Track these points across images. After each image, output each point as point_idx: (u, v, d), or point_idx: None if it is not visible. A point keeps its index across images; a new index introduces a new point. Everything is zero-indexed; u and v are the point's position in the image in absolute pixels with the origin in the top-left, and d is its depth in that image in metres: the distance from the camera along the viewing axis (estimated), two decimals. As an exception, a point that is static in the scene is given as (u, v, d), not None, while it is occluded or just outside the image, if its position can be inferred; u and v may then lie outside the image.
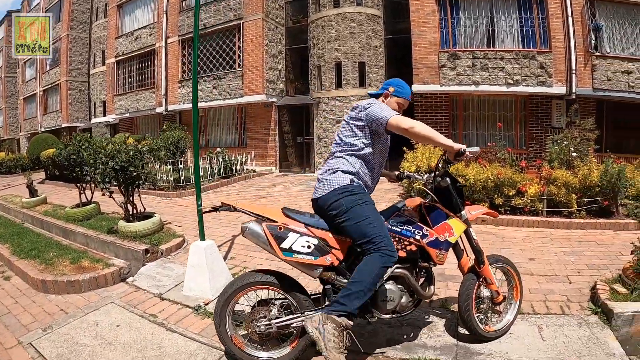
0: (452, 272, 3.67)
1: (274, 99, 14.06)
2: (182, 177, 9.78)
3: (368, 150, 2.51)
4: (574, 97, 10.35)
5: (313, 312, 2.37)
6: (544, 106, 11.10)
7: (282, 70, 14.76)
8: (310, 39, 13.76)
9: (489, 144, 9.15)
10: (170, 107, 15.83)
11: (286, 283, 2.44)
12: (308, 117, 14.10)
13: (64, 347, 2.89)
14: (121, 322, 3.27)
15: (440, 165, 2.61)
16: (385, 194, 8.21)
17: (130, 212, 5.33)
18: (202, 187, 9.65)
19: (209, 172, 10.67)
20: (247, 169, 12.44)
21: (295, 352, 2.45)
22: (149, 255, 4.60)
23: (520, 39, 10.95)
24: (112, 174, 5.08)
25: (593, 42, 10.52)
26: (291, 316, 2.41)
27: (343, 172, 2.46)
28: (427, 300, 3.14)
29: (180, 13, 15.57)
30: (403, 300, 2.51)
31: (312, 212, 2.60)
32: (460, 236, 2.66)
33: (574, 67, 10.31)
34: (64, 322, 3.31)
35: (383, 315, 2.48)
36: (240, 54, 14.05)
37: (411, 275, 2.53)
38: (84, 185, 6.65)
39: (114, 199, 5.26)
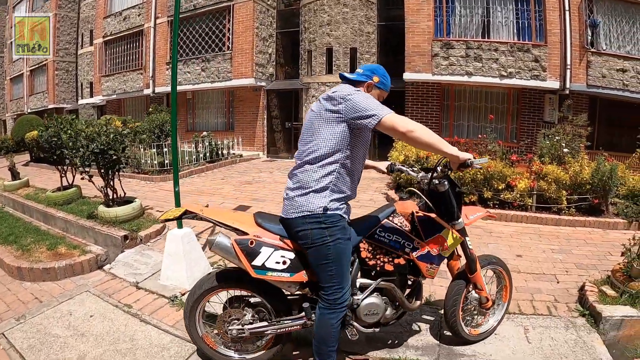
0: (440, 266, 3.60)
1: (263, 83, 13.83)
2: (166, 161, 9.60)
3: (347, 154, 2.05)
4: (567, 92, 10.27)
5: (289, 321, 2.22)
6: (537, 100, 11.03)
7: (272, 54, 14.49)
8: (301, 22, 13.50)
9: (479, 135, 9.11)
10: (157, 89, 15.52)
11: (262, 285, 2.19)
12: (297, 102, 13.91)
13: (35, 338, 2.81)
14: (95, 312, 3.18)
15: (439, 168, 2.28)
16: (372, 183, 8.14)
17: (110, 197, 5.18)
18: (187, 171, 9.64)
19: (194, 157, 10.50)
20: (233, 154, 12.27)
21: (269, 354, 2.35)
22: (128, 241, 4.49)
23: (515, 31, 10.82)
24: (91, 158, 4.92)
25: (589, 38, 10.41)
26: (265, 324, 2.25)
27: (316, 192, 2.03)
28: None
29: (170, -7, 15.12)
30: (387, 313, 2.37)
31: None
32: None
33: (568, 62, 10.22)
34: (38, 311, 3.21)
35: (364, 330, 2.32)
36: (230, 37, 13.74)
37: (398, 288, 2.36)
38: (64, 168, 6.47)
39: (93, 183, 5.12)
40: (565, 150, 6.79)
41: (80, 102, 21.01)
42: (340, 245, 2.05)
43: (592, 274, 3.61)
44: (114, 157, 4.96)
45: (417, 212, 2.33)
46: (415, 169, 2.53)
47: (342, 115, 1.99)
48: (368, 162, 2.58)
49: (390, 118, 1.90)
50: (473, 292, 2.62)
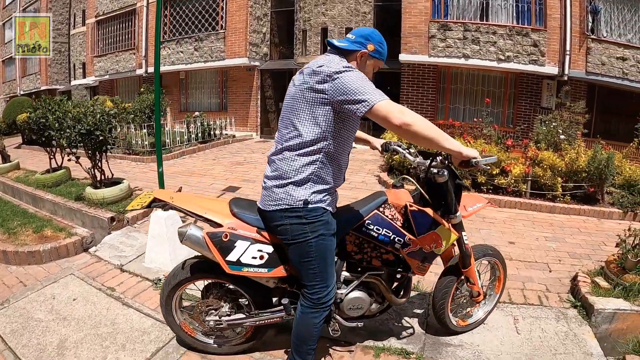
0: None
1: (257, 63, 13.62)
2: (157, 141, 9.45)
3: (332, 141, 1.79)
4: (565, 78, 10.12)
5: (269, 313, 2.12)
6: (535, 85, 10.88)
7: (267, 34, 14.23)
8: (296, 1, 13.21)
9: (475, 119, 9.04)
10: (150, 69, 15.24)
11: (240, 276, 2.02)
12: (291, 83, 13.74)
13: (18, 323, 2.79)
14: (78, 295, 3.15)
15: (439, 157, 2.03)
16: (365, 165, 8.08)
17: (98, 179, 5.11)
18: (178, 152, 9.57)
19: (185, 137, 10.38)
20: (226, 134, 12.14)
21: (249, 343, 2.30)
22: (114, 223, 4.43)
23: (514, 14, 10.58)
24: (78, 139, 4.83)
25: (590, 24, 10.20)
26: (243, 316, 2.15)
27: (295, 184, 1.79)
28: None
29: (163, -30, 14.75)
30: (373, 307, 2.26)
31: None
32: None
33: (568, 48, 10.02)
34: (22, 295, 3.18)
35: (347, 323, 2.19)
36: (224, 15, 13.46)
37: (385, 283, 2.22)
38: (53, 150, 6.37)
39: (80, 164, 5.05)
40: (562, 136, 6.73)
41: (73, 83, 20.71)
42: (323, 242, 1.85)
43: (586, 264, 3.56)
44: (101, 137, 4.87)
45: (410, 206, 2.10)
46: (413, 151, 2.26)
47: (327, 96, 1.69)
48: (362, 134, 2.37)
49: (385, 106, 1.60)
50: (465, 285, 2.51)
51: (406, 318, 2.76)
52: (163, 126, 10.32)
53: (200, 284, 2.29)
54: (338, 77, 1.66)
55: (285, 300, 2.07)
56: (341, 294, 2.14)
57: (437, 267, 2.57)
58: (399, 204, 2.14)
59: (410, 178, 2.31)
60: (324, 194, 1.85)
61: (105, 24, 17.32)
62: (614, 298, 2.77)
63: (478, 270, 2.56)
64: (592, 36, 10.16)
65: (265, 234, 1.97)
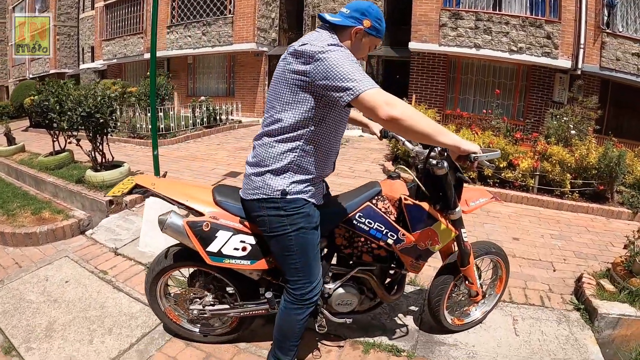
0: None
1: (265, 48, 13.51)
2: (162, 126, 9.45)
3: (313, 129, 1.63)
4: (579, 72, 9.89)
5: (253, 305, 2.03)
6: (547, 79, 10.65)
7: (276, 19, 14.07)
8: (307, -13, 13.03)
9: (484, 110, 8.88)
10: (158, 54, 15.09)
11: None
12: (300, 70, 13.62)
13: (10, 304, 2.78)
14: (71, 277, 3.12)
15: (438, 147, 1.81)
16: (371, 154, 7.98)
17: (99, 161, 5.09)
18: (183, 136, 9.56)
19: (191, 121, 10.34)
20: (232, 120, 12.09)
21: (235, 333, 2.23)
22: (113, 206, 4.40)
23: (528, 4, 10.33)
24: (79, 121, 4.80)
25: (605, 18, 9.91)
26: (227, 306, 2.07)
27: (273, 173, 1.66)
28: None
29: (172, -46, 14.60)
30: (363, 303, 2.16)
31: None
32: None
33: (582, 41, 9.76)
34: (16, 276, 3.17)
35: (335, 319, 2.08)
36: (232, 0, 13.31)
37: (377, 279, 2.09)
38: (56, 132, 6.37)
39: (81, 147, 5.05)
40: (573, 132, 6.57)
41: (82, 66, 20.81)
42: (304, 235, 1.71)
43: (591, 265, 3.44)
44: (101, 120, 4.82)
45: (405, 200, 1.95)
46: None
47: (308, 79, 1.52)
48: (359, 116, 2.22)
49: (372, 96, 1.40)
50: (463, 283, 2.37)
51: (400, 314, 2.66)
52: (169, 110, 10.30)
53: (187, 271, 2.23)
54: (321, 58, 1.47)
55: (269, 294, 1.96)
56: (329, 288, 2.04)
57: (436, 260, 2.47)
58: (393, 196, 1.99)
59: (407, 168, 2.14)
60: (306, 184, 1.70)
61: (114, 8, 17.27)
62: (619, 302, 2.63)
63: (479, 268, 2.45)
64: (608, 30, 9.88)
65: (248, 224, 1.86)
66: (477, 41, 10.36)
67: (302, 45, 1.55)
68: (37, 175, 5.71)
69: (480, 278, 2.43)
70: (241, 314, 2.07)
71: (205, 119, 10.73)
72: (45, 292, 2.92)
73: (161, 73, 12.04)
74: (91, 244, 3.79)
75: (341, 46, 1.56)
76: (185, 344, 2.28)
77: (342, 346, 2.33)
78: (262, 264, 1.88)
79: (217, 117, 11.23)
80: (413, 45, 10.80)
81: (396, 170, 2.19)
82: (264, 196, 1.67)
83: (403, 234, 1.95)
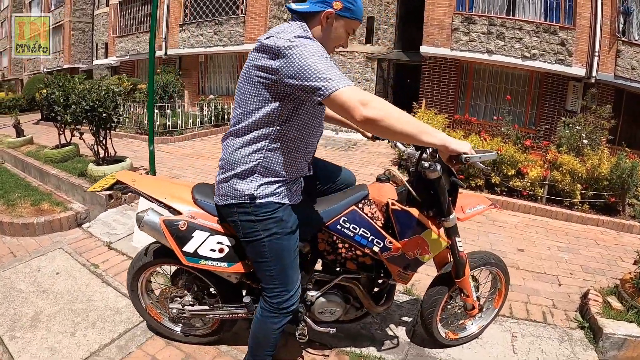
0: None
1: (276, 50, 13.45)
2: (169, 123, 9.47)
3: (278, 128, 1.52)
4: (593, 81, 9.62)
5: (233, 308, 1.96)
6: (560, 86, 10.42)
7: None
8: (319, -11, 12.99)
9: (495, 117, 8.73)
10: (170, 52, 15.28)
11: None
12: (311, 71, 13.59)
13: (0, 292, 2.79)
14: (62, 269, 3.12)
15: (429, 149, 1.67)
16: (377, 157, 7.91)
17: (101, 156, 5.09)
18: (190, 134, 9.57)
19: (198, 119, 10.35)
20: (241, 118, 12.06)
21: (216, 334, 2.17)
22: (112, 200, 4.39)
23: (542, 10, 10.11)
24: (82, 115, 4.81)
25: (621, 26, 9.68)
26: (206, 307, 2.00)
27: (239, 178, 1.57)
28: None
29: (186, -47, 14.71)
30: (349, 313, 2.05)
31: None
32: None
33: (597, 49, 9.50)
34: (10, 265, 3.20)
35: (318, 328, 1.98)
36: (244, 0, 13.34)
37: (363, 288, 1.98)
38: (62, 126, 6.41)
39: (84, 140, 5.07)
40: (585, 141, 6.41)
41: (95, 62, 21.04)
42: (278, 241, 1.61)
43: (599, 281, 3.31)
44: (104, 115, 4.83)
45: (392, 205, 1.82)
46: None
47: (275, 77, 1.41)
48: (341, 117, 2.12)
49: (346, 95, 1.28)
50: (457, 297, 2.26)
51: (392, 324, 2.53)
52: (177, 108, 10.33)
53: (170, 268, 2.19)
54: (288, 55, 1.36)
55: (247, 299, 1.88)
56: (312, 295, 1.94)
57: (432, 269, 2.36)
58: (380, 200, 1.86)
59: (396, 172, 1.96)
60: (277, 185, 1.60)
61: (128, 5, 17.43)
62: (627, 322, 2.48)
63: (477, 280, 2.33)
64: (623, 38, 9.66)
65: (227, 224, 1.78)
66: (489, 46, 10.20)
67: (267, 38, 1.44)
68: (42, 167, 5.75)
69: (477, 290, 2.30)
70: (221, 316, 2.00)
71: (213, 118, 10.74)
72: (35, 282, 2.93)
73: (171, 71, 12.08)
74: (87, 237, 3.78)
75: (310, 38, 1.44)
76: (166, 343, 2.23)
77: (327, 355, 2.24)
78: (239, 267, 1.80)
79: (226, 116, 11.24)
80: (425, 49, 10.68)
81: (386, 173, 2.04)
82: (234, 201, 1.59)
83: (390, 242, 1.82)
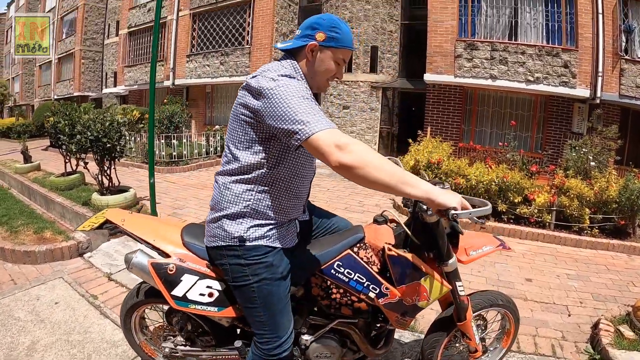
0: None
1: (282, 80, 13.68)
2: (174, 153, 9.56)
3: (267, 170, 1.48)
4: (597, 101, 9.59)
5: (226, 350, 1.88)
6: (565, 109, 10.38)
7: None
8: (323, 19, 13.32)
9: (500, 143, 8.68)
10: (177, 82, 15.61)
11: None
12: (316, 101, 13.72)
13: None
14: (61, 299, 3.09)
15: None
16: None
17: (105, 185, 5.10)
18: (195, 164, 9.60)
19: (204, 149, 10.43)
20: (246, 149, 12.15)
21: None
22: (114, 231, 4.35)
23: (544, 33, 10.17)
24: (87, 145, 4.85)
25: (623, 44, 9.71)
26: (199, 349, 1.94)
27: (229, 219, 1.52)
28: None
29: (194, -14, 15.22)
30: (346, 356, 1.94)
31: None
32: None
33: (600, 69, 9.51)
34: (9, 292, 3.18)
35: None
36: (250, 31, 13.67)
37: (360, 333, 1.87)
38: (68, 154, 6.48)
39: (88, 170, 5.10)
40: (592, 163, 6.31)
41: (105, 91, 21.54)
42: (267, 287, 1.54)
43: (610, 309, 3.17)
44: (108, 145, 4.86)
45: (388, 250, 1.71)
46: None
47: (257, 118, 1.39)
48: None
49: (322, 139, 1.23)
50: (459, 340, 2.12)
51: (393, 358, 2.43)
52: (183, 138, 10.43)
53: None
54: (268, 95, 1.33)
55: (238, 343, 1.80)
56: (306, 340, 1.84)
57: (436, 303, 2.22)
58: (376, 244, 1.76)
59: (393, 214, 1.87)
60: (268, 227, 1.54)
61: (137, 35, 18.00)
62: (639, 352, 2.37)
63: (485, 319, 2.19)
64: (626, 57, 9.66)
65: (217, 268, 1.71)
66: (493, 72, 10.26)
67: (253, 77, 1.42)
68: (47, 194, 5.79)
69: (485, 329, 2.17)
70: (213, 357, 1.91)
71: (218, 148, 10.83)
72: (34, 311, 2.91)
73: (177, 101, 12.28)
74: (87, 267, 3.74)
75: (294, 77, 1.41)
76: (162, 380, 2.14)
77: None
78: (229, 312, 1.73)
79: (231, 147, 11.33)
80: (428, 77, 10.76)
81: (383, 214, 1.95)
82: (223, 243, 1.53)
83: (387, 288, 1.71)
